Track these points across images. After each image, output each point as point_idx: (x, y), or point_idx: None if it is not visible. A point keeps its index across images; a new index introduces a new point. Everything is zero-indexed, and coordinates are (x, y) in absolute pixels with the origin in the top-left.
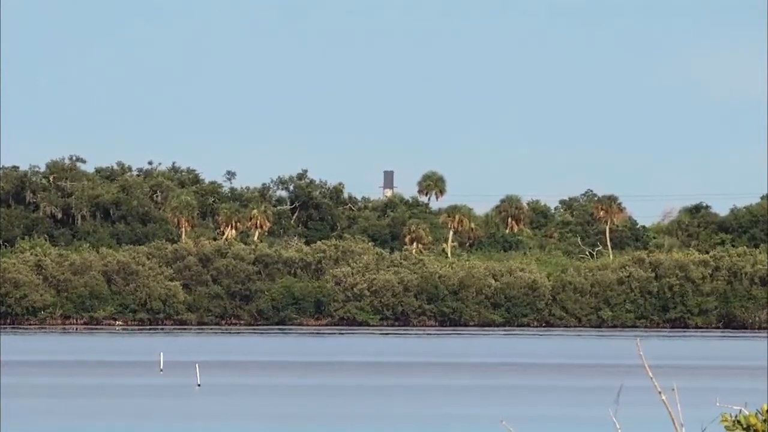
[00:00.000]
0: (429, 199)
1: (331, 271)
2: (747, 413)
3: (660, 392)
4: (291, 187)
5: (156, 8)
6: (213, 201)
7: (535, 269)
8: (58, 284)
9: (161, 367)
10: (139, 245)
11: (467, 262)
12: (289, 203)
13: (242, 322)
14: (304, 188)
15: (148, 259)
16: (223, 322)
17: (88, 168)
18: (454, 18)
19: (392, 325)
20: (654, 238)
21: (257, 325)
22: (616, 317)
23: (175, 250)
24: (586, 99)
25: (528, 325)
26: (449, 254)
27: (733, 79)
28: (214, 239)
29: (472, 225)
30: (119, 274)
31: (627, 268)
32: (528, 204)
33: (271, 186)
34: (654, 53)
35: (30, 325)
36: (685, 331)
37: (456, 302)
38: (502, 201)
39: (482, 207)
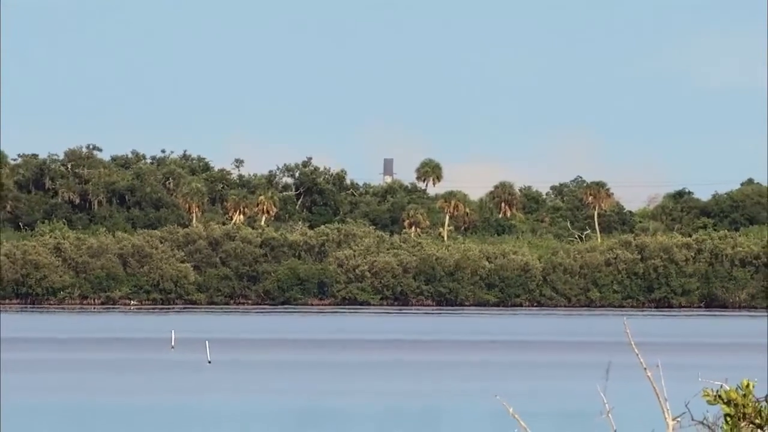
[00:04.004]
0: (426, 185)
1: (333, 253)
2: (728, 388)
3: (645, 368)
4: (296, 174)
5: (168, 0)
6: (222, 187)
7: (527, 252)
8: (76, 266)
9: (173, 344)
10: (153, 229)
11: (463, 245)
12: (294, 189)
13: (249, 301)
14: (308, 175)
15: (161, 242)
16: (232, 301)
17: (105, 156)
18: (450, 8)
19: (392, 305)
20: (640, 222)
21: (264, 304)
22: (604, 297)
23: (186, 234)
24: (576, 89)
25: (520, 305)
26: (446, 237)
27: (716, 69)
28: (223, 224)
29: (468, 210)
30: (134, 257)
31: (614, 250)
32: (520, 190)
33: (278, 173)
34: (639, 42)
35: (50, 304)
36: (669, 311)
37: (452, 283)
38: (496, 187)
39: (477, 193)
